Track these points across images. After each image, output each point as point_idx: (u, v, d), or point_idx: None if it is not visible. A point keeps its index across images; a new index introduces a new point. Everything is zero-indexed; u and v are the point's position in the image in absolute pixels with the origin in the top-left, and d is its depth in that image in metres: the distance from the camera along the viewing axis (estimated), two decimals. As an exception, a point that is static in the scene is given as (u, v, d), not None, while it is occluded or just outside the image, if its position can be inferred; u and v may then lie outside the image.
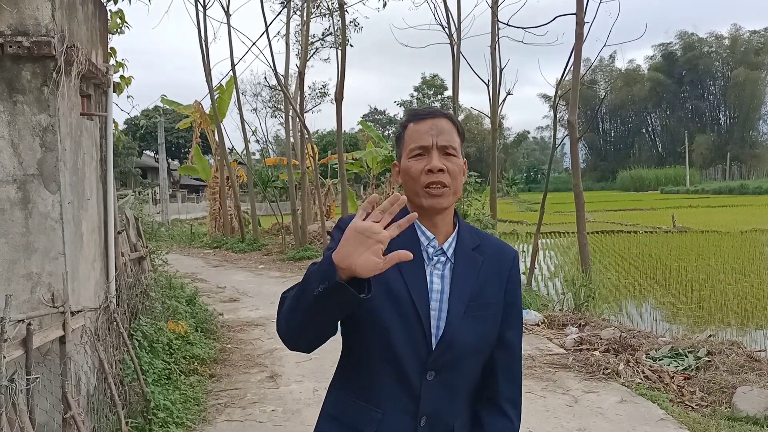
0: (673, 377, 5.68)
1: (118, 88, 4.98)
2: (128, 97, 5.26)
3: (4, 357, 2.72)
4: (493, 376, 1.67)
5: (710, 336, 7.07)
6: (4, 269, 3.32)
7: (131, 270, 5.87)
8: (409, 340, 1.54)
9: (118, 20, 5.24)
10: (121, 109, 5.96)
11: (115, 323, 4.51)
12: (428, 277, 1.60)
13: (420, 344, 1.54)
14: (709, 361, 5.87)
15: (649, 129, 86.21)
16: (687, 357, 6.06)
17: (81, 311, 3.67)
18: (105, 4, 4.93)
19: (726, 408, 4.99)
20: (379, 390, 1.56)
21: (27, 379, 2.97)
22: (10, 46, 3.21)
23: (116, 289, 4.82)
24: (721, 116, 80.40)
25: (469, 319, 1.58)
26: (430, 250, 1.62)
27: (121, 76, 5.09)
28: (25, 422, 2.83)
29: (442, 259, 1.62)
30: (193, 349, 6.20)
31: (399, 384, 1.55)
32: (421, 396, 1.55)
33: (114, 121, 4.90)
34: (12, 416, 2.75)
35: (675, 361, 6.06)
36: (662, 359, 6.14)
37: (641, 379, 5.68)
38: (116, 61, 4.96)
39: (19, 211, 3.33)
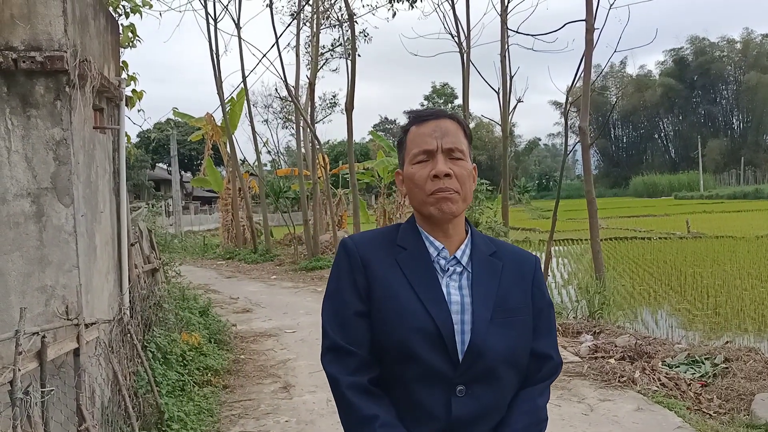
0: (689, 384, 5.61)
1: (130, 102, 5.02)
2: (139, 110, 5.31)
3: (19, 370, 2.74)
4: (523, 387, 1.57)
5: (727, 342, 6.97)
6: (19, 282, 3.35)
7: (145, 282, 5.91)
8: (432, 357, 1.44)
9: (130, 34, 5.30)
10: (134, 123, 6.00)
11: (129, 335, 4.53)
12: (445, 289, 1.49)
13: (444, 360, 1.45)
14: (727, 367, 5.79)
15: (662, 134, 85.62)
16: (704, 364, 5.98)
17: (95, 323, 3.69)
18: (117, 18, 4.99)
19: (744, 415, 4.91)
20: (406, 414, 1.47)
21: (42, 391, 2.98)
22: (24, 61, 3.26)
23: (130, 301, 4.84)
24: (734, 120, 79.74)
25: (497, 326, 1.48)
26: (442, 261, 1.53)
27: (133, 90, 5.14)
28: (40, 434, 2.84)
29: (458, 269, 1.53)
30: (207, 360, 6.22)
31: (426, 405, 1.46)
32: (453, 414, 1.45)
33: (126, 134, 4.94)
34: (27, 429, 2.76)
35: (692, 368, 5.99)
36: (678, 366, 6.07)
37: (657, 386, 5.61)
38: (128, 75, 5.01)
39: (33, 224, 3.36)
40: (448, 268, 1.52)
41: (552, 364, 1.59)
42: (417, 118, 1.55)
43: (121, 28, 5.05)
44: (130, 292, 4.86)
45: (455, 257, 1.53)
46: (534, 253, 1.72)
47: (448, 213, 1.49)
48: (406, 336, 1.44)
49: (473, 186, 1.56)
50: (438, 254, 1.53)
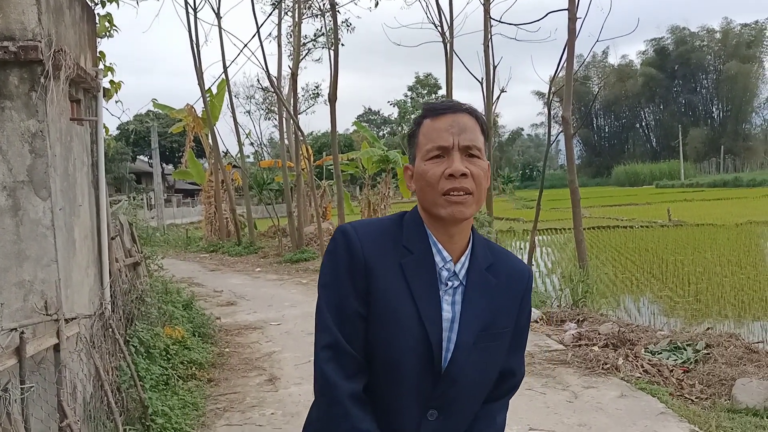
0: (672, 371, 5.68)
1: (107, 94, 4.94)
2: (117, 101, 5.22)
3: (-3, 366, 2.69)
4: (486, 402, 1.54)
5: (708, 329, 7.06)
6: (-4, 277, 3.28)
7: (126, 276, 5.83)
8: (414, 375, 1.39)
9: (107, 24, 5.20)
10: (112, 114, 5.92)
11: (110, 330, 4.47)
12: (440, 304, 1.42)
13: (427, 381, 1.40)
14: (708, 353, 5.87)
15: (643, 124, 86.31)
16: (685, 350, 6.06)
17: (75, 318, 3.64)
18: (93, 7, 4.89)
19: (725, 400, 4.98)
20: (378, 422, 1.42)
21: (21, 388, 2.93)
22: (-3, 52, 3.18)
23: (111, 296, 4.78)
24: (714, 110, 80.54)
25: (477, 351, 1.42)
26: (444, 273, 1.43)
27: (111, 81, 5.05)
28: (19, 432, 2.80)
29: (455, 283, 1.44)
30: (191, 354, 6.17)
31: (398, 419, 1.42)
32: None
33: (105, 126, 4.87)
34: (7, 426, 2.72)
35: (674, 354, 6.06)
36: (661, 353, 6.13)
37: (640, 373, 5.67)
38: (105, 66, 4.93)
39: (9, 218, 3.29)
40: (447, 282, 1.44)
41: (514, 382, 1.57)
42: (432, 110, 1.43)
43: (97, 17, 4.96)
44: (111, 287, 4.79)
45: (455, 271, 1.44)
46: (512, 246, 1.66)
47: (460, 217, 1.40)
48: (398, 352, 1.38)
49: (487, 185, 1.45)
50: (443, 265, 1.43)
